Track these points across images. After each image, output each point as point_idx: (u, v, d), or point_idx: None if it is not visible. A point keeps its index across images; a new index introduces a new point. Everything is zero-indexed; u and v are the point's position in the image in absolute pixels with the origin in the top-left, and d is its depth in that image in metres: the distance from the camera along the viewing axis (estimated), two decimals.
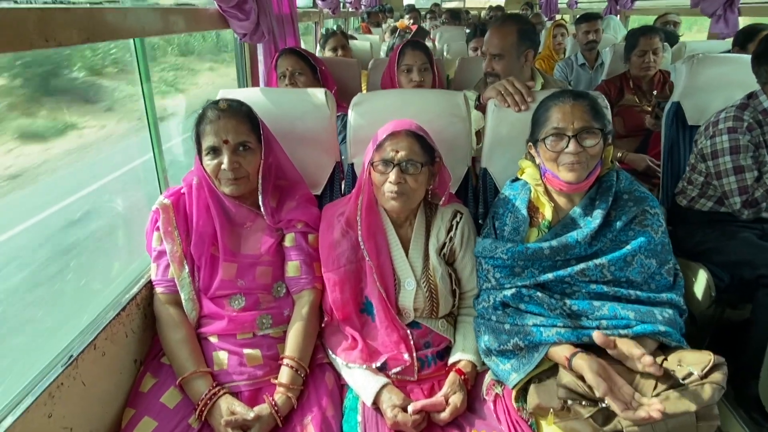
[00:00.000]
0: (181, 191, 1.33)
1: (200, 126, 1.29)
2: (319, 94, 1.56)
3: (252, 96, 1.54)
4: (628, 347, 1.04)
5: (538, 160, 1.30)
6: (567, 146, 1.19)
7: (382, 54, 3.98)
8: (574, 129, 1.19)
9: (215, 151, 1.27)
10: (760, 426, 1.58)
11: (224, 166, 1.25)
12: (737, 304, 1.82)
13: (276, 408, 1.12)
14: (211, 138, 1.26)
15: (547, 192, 1.30)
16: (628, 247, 1.20)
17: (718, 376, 1.01)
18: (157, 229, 1.29)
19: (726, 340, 1.78)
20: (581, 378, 1.07)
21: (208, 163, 1.27)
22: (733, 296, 1.79)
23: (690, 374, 1.02)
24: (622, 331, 1.13)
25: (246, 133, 1.29)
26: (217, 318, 1.26)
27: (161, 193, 1.40)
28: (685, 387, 1.00)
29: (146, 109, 1.43)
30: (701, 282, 1.79)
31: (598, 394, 1.00)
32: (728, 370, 1.04)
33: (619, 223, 1.22)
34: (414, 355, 1.26)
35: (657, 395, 1.00)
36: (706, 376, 1.01)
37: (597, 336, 1.06)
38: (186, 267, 1.27)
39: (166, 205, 1.30)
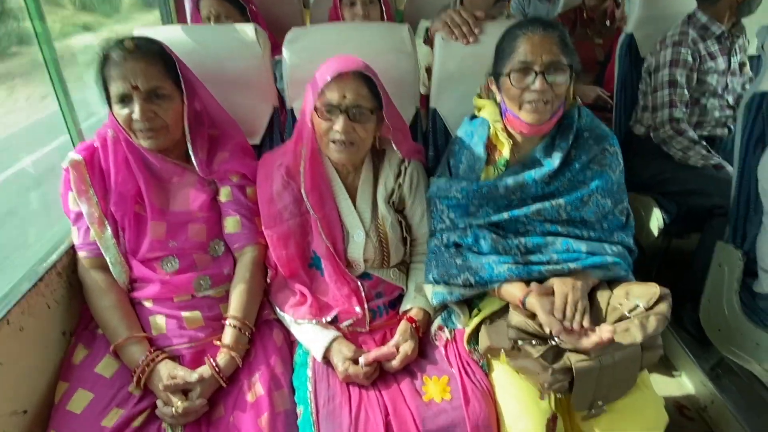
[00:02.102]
0: (95, 145, 1.19)
1: (104, 70, 1.12)
2: (248, 30, 1.40)
3: (172, 34, 1.36)
4: (559, 286, 1.07)
5: (498, 98, 1.22)
6: (533, 83, 1.10)
7: None
8: (543, 64, 1.08)
9: (125, 100, 1.12)
10: (700, 344, 1.68)
11: (135, 116, 1.11)
12: (683, 234, 1.88)
13: (218, 369, 1.07)
14: (118, 84, 1.10)
15: (506, 129, 1.23)
16: (586, 187, 1.17)
17: (663, 307, 1.02)
18: (71, 189, 1.15)
19: (671, 269, 1.85)
20: (531, 317, 1.06)
21: (119, 112, 1.13)
22: (680, 227, 1.84)
23: (636, 307, 1.03)
24: (572, 265, 1.13)
25: (158, 77, 1.13)
26: (149, 282, 1.17)
27: (74, 147, 1.25)
28: (631, 319, 1.01)
29: (42, 52, 1.23)
30: (651, 215, 1.83)
31: (553, 333, 1.00)
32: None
33: (578, 163, 1.18)
34: (366, 306, 1.22)
35: None
36: (651, 308, 1.02)
37: (535, 286, 1.09)
38: (108, 228, 1.15)
39: (78, 162, 1.15)
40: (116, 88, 1.11)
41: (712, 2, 1.78)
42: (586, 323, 1.00)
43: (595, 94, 2.32)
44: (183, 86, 1.19)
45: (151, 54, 1.14)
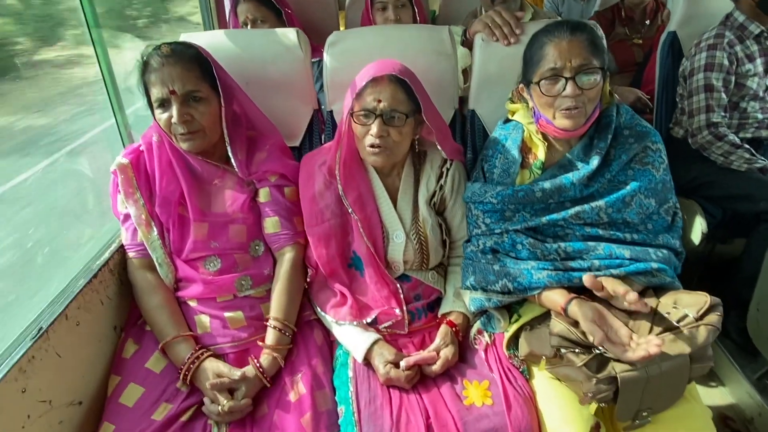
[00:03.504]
0: (140, 149, 1.23)
1: (145, 75, 1.16)
2: (290, 34, 1.42)
3: (215, 40, 1.40)
4: (612, 285, 1.01)
5: (531, 104, 1.20)
6: (564, 89, 1.08)
7: None
8: (572, 68, 1.07)
9: (164, 104, 1.16)
10: (745, 353, 1.62)
11: (174, 119, 1.14)
12: (727, 239, 1.82)
13: (261, 370, 1.10)
14: (157, 89, 1.14)
15: (540, 132, 1.22)
16: (628, 187, 1.14)
17: (713, 317, 0.99)
18: (119, 191, 1.20)
19: (715, 275, 1.79)
20: (574, 324, 1.05)
21: (160, 116, 1.16)
22: (724, 232, 1.78)
23: (685, 316, 1.00)
24: (614, 271, 1.10)
25: (194, 81, 1.16)
26: (193, 281, 1.20)
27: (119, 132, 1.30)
28: (680, 329, 0.98)
29: (97, 57, 1.28)
30: (694, 219, 1.77)
31: (595, 342, 0.98)
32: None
33: (618, 163, 1.15)
34: (404, 308, 1.22)
35: None
36: (701, 317, 0.99)
37: (586, 279, 1.03)
38: (154, 229, 1.19)
39: (125, 165, 1.20)
40: (155, 93, 1.15)
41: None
42: (633, 335, 0.98)
43: (635, 96, 2.24)
44: (220, 89, 1.21)
45: (187, 58, 1.17)
